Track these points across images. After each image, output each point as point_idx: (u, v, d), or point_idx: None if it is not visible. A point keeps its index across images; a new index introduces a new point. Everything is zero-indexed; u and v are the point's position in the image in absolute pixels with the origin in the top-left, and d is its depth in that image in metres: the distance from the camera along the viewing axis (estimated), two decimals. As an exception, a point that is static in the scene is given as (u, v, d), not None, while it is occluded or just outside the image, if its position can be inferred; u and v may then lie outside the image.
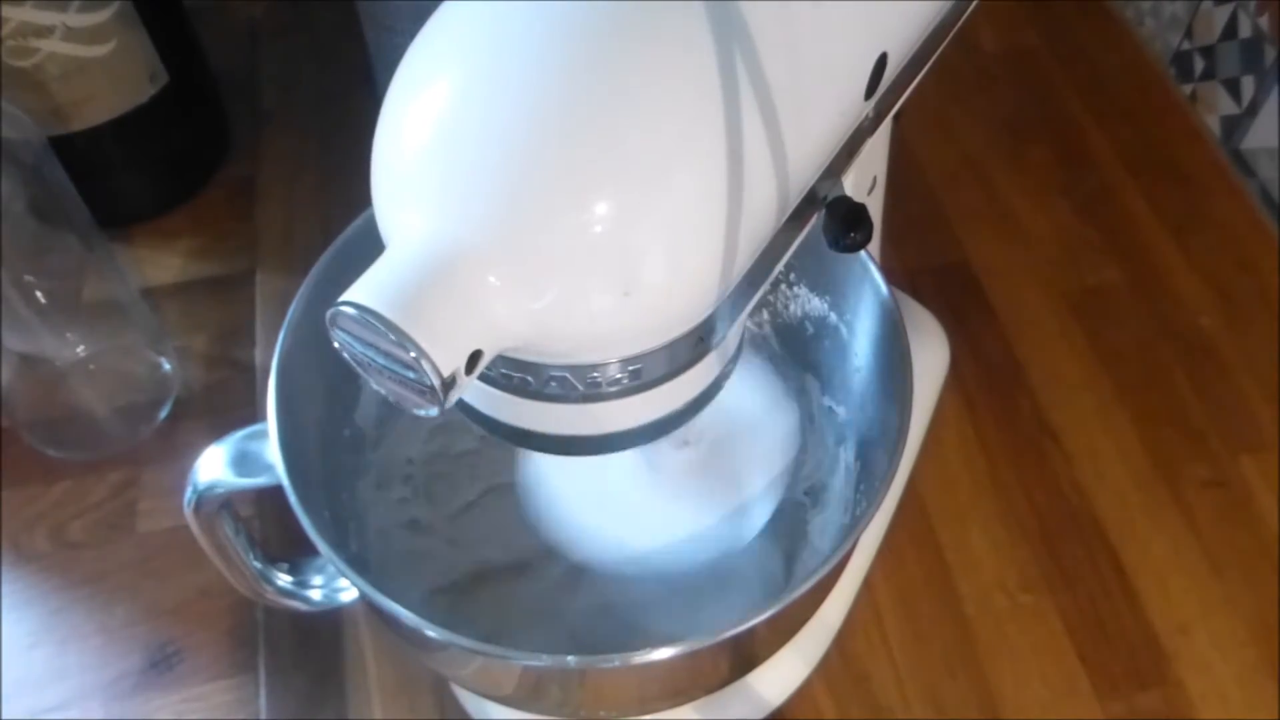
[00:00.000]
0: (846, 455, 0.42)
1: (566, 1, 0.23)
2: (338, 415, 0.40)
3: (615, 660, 0.30)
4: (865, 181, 0.39)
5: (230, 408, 0.54)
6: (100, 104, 0.54)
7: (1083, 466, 0.52)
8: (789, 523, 0.42)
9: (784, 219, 0.27)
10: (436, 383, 0.22)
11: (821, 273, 0.41)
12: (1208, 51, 0.64)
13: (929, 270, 0.59)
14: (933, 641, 0.47)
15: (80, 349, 0.53)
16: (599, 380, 0.26)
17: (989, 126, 0.66)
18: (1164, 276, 0.59)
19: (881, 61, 0.28)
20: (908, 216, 0.59)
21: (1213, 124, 0.65)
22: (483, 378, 0.27)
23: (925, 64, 0.31)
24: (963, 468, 0.52)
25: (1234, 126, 0.63)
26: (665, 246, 0.24)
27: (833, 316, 0.42)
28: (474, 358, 0.23)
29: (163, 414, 0.54)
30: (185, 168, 0.62)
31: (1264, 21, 0.60)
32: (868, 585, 0.48)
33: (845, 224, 0.27)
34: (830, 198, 0.28)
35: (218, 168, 0.64)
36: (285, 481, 0.32)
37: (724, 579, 0.41)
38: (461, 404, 0.29)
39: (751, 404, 0.44)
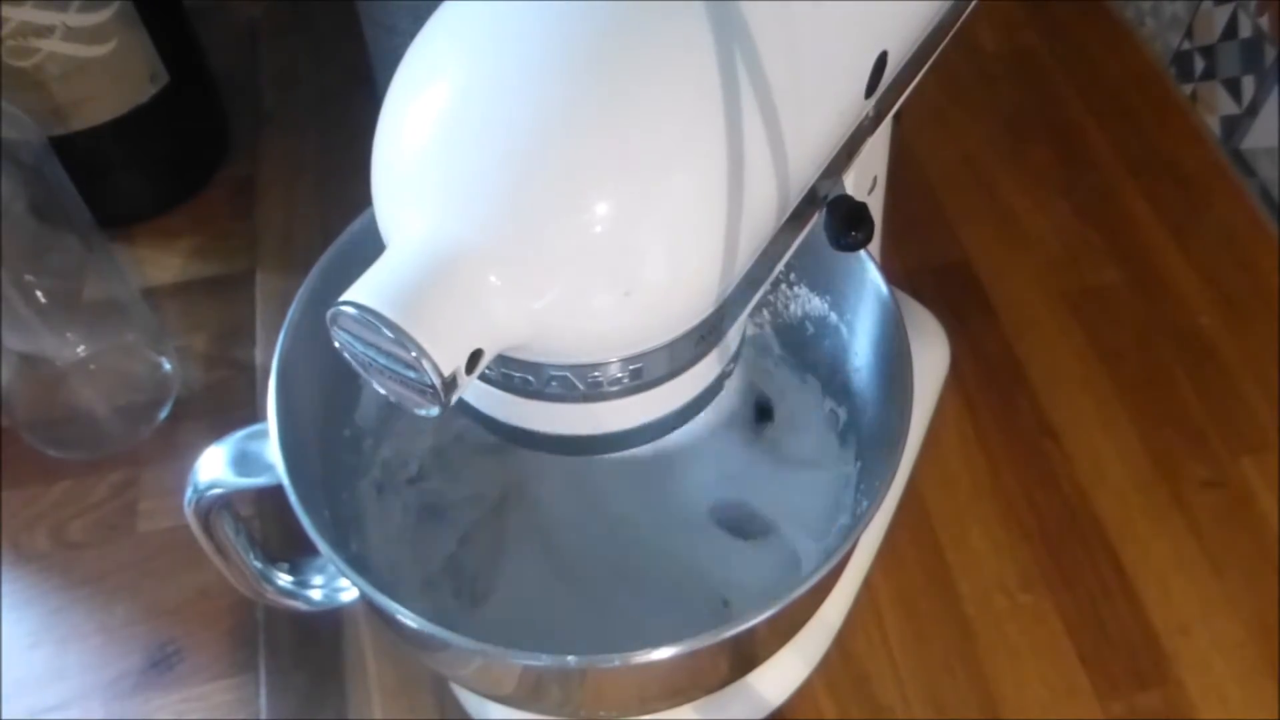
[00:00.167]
0: (846, 455, 0.42)
1: (567, 1, 0.23)
2: (338, 415, 0.40)
3: (615, 660, 0.30)
4: (865, 181, 0.39)
5: (230, 408, 0.54)
6: (100, 104, 0.54)
7: (1083, 466, 0.52)
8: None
9: (784, 218, 0.27)
10: (437, 382, 0.22)
11: (821, 273, 0.41)
12: (1208, 51, 0.64)
13: (929, 270, 0.59)
14: (933, 641, 0.47)
15: (80, 349, 0.53)
16: (600, 380, 0.26)
17: (989, 126, 0.66)
18: (1164, 276, 0.59)
19: (881, 61, 0.28)
20: (908, 216, 0.59)
21: (1213, 124, 0.65)
22: (483, 377, 0.27)
23: (925, 64, 0.31)
24: (963, 468, 0.52)
25: (1234, 126, 0.63)
26: (666, 246, 0.24)
27: (833, 316, 0.42)
28: (474, 357, 0.23)
29: (163, 414, 0.54)
30: (185, 168, 0.62)
31: (1264, 21, 0.60)
32: (868, 585, 0.48)
33: (846, 223, 0.27)
34: (830, 197, 0.28)
35: (218, 168, 0.64)
36: (285, 481, 0.32)
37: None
38: (461, 404, 0.29)
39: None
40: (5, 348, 0.50)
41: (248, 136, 0.65)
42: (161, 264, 0.59)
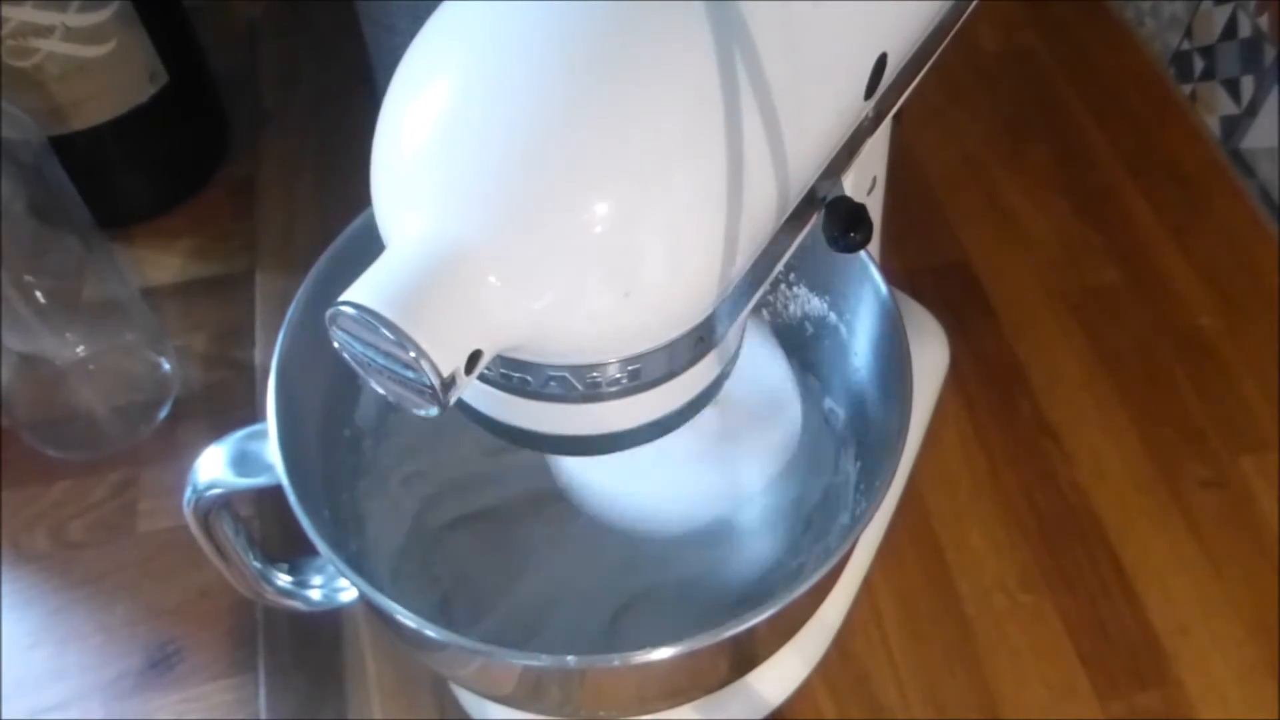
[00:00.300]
0: (846, 455, 0.42)
1: (566, 1, 0.23)
2: (338, 415, 0.40)
3: (615, 660, 0.30)
4: (865, 181, 0.39)
5: (230, 408, 0.54)
6: (100, 104, 0.54)
7: (1083, 466, 0.52)
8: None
9: (784, 219, 0.27)
10: (436, 382, 0.22)
11: (821, 273, 0.41)
12: (1207, 51, 0.64)
13: (929, 270, 0.59)
14: (933, 641, 0.47)
15: (80, 349, 0.53)
16: (599, 380, 0.26)
17: (989, 126, 0.66)
18: (1164, 277, 0.59)
19: (881, 62, 0.28)
20: (908, 216, 0.59)
21: (1212, 124, 0.65)
22: (482, 378, 0.27)
23: (925, 64, 0.31)
24: (963, 467, 0.52)
25: (1234, 126, 0.63)
26: (665, 247, 0.24)
27: (832, 316, 0.42)
28: (474, 357, 0.23)
29: (163, 414, 0.54)
30: (185, 168, 0.62)
31: (1264, 21, 0.60)
32: (868, 585, 0.48)
33: (845, 224, 0.27)
34: (830, 198, 0.28)
35: (218, 168, 0.64)
36: (285, 481, 0.32)
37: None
38: (461, 404, 0.29)
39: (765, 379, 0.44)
40: (5, 348, 0.50)
41: (247, 136, 0.65)
42: (161, 264, 0.59)
